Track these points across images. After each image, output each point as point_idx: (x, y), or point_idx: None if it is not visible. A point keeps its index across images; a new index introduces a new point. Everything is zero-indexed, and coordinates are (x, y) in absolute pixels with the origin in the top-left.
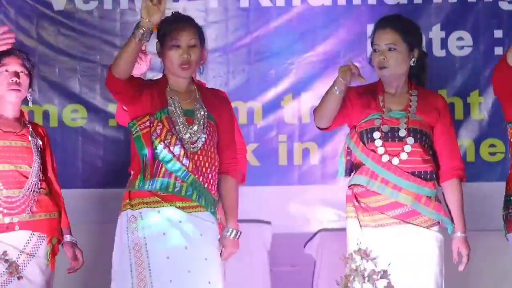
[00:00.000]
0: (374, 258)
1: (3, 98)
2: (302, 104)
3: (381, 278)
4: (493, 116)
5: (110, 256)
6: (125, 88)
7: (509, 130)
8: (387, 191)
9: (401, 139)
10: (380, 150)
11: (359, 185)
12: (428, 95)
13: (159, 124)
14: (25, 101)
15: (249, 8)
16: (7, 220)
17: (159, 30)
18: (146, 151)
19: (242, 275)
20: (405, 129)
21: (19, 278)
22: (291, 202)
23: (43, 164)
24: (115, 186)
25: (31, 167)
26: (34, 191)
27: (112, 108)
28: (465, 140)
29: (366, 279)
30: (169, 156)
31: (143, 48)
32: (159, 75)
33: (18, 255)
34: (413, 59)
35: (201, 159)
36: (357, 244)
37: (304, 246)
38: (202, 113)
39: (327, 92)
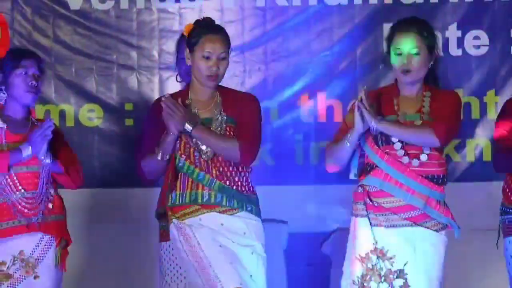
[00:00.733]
0: (391, 258)
1: (17, 100)
2: (319, 104)
3: (397, 277)
4: None
5: (125, 256)
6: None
7: None
8: (400, 194)
9: None
10: (400, 153)
11: (372, 186)
12: (441, 94)
13: (178, 138)
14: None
15: (265, 7)
16: (24, 221)
17: (189, 36)
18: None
19: None
20: None
21: (35, 277)
22: (308, 201)
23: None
24: (131, 185)
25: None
26: (46, 192)
27: (128, 107)
28: (482, 139)
29: (383, 278)
30: (192, 167)
31: None
32: (174, 74)
33: (30, 254)
34: (431, 63)
35: (223, 164)
36: (373, 244)
37: (321, 246)
38: (220, 119)
39: (339, 144)
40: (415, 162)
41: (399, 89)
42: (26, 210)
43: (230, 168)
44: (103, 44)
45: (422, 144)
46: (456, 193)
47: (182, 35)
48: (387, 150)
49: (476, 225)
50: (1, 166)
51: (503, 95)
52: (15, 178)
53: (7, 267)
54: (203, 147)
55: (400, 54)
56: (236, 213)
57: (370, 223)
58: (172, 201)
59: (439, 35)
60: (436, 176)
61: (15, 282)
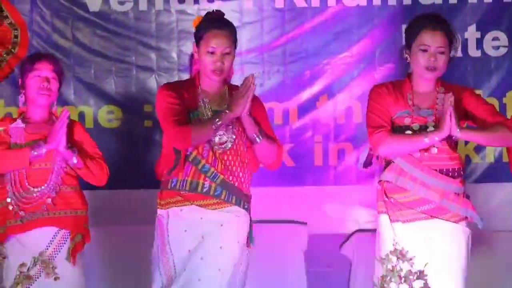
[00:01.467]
0: (410, 259)
1: (33, 102)
2: (338, 105)
3: (417, 278)
4: None
5: (147, 258)
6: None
7: None
8: (415, 188)
9: None
10: None
11: (388, 181)
12: (454, 90)
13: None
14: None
15: (284, 9)
16: (30, 217)
17: (196, 29)
18: (181, 152)
19: (278, 275)
20: (433, 127)
21: (55, 279)
22: (327, 202)
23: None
24: (150, 187)
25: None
26: (56, 187)
27: (147, 109)
28: None
29: (403, 279)
30: (198, 158)
31: None
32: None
33: (46, 248)
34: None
35: (230, 158)
36: (393, 244)
37: (340, 247)
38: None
39: (413, 138)
40: (426, 156)
41: (413, 84)
42: (28, 206)
43: (237, 163)
44: (122, 46)
45: (506, 145)
46: (476, 194)
47: None
48: None
49: (497, 226)
50: (22, 159)
51: None
52: (24, 174)
53: (28, 269)
54: (216, 139)
55: (425, 51)
56: (224, 207)
57: (390, 219)
58: (172, 185)
59: (458, 36)
60: (451, 170)
61: (33, 283)
